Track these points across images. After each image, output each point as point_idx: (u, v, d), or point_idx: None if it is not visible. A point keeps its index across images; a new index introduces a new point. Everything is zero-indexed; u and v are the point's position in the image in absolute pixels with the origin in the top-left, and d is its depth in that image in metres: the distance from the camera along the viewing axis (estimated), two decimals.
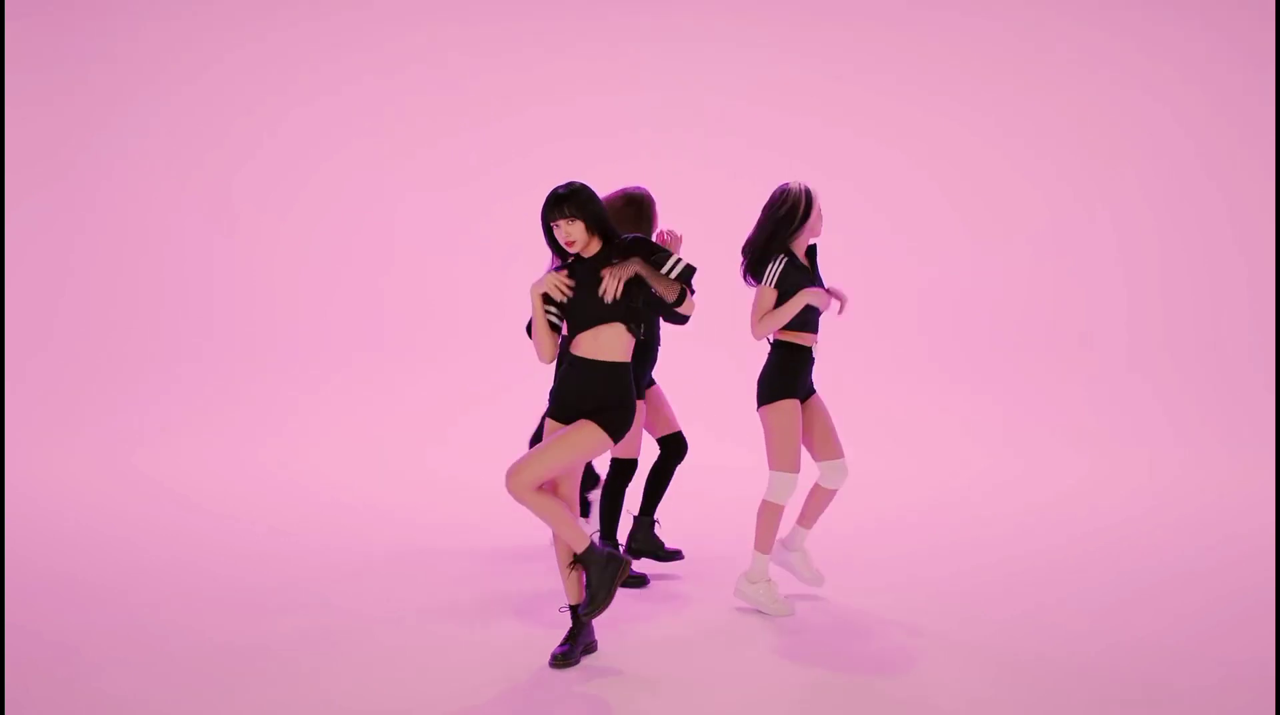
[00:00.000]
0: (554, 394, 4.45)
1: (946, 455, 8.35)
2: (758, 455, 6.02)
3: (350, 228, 9.11)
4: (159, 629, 4.77)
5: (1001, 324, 8.91)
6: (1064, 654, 4.53)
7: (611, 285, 4.32)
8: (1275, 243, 8.65)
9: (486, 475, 5.80)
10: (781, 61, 8.99)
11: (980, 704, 4.01)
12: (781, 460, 4.94)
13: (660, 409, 5.62)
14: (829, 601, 5.25)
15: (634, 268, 4.34)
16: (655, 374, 5.68)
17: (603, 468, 6.65)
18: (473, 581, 5.54)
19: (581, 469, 4.50)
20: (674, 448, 5.61)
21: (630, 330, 4.41)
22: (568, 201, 4.32)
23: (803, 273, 5.00)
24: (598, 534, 5.38)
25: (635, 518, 5.60)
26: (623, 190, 5.32)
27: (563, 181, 4.39)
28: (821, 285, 5.10)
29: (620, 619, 4.95)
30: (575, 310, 4.40)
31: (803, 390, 5.04)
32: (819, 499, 5.24)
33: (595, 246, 4.41)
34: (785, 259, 4.96)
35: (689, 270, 4.42)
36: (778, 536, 5.37)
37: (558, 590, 5.33)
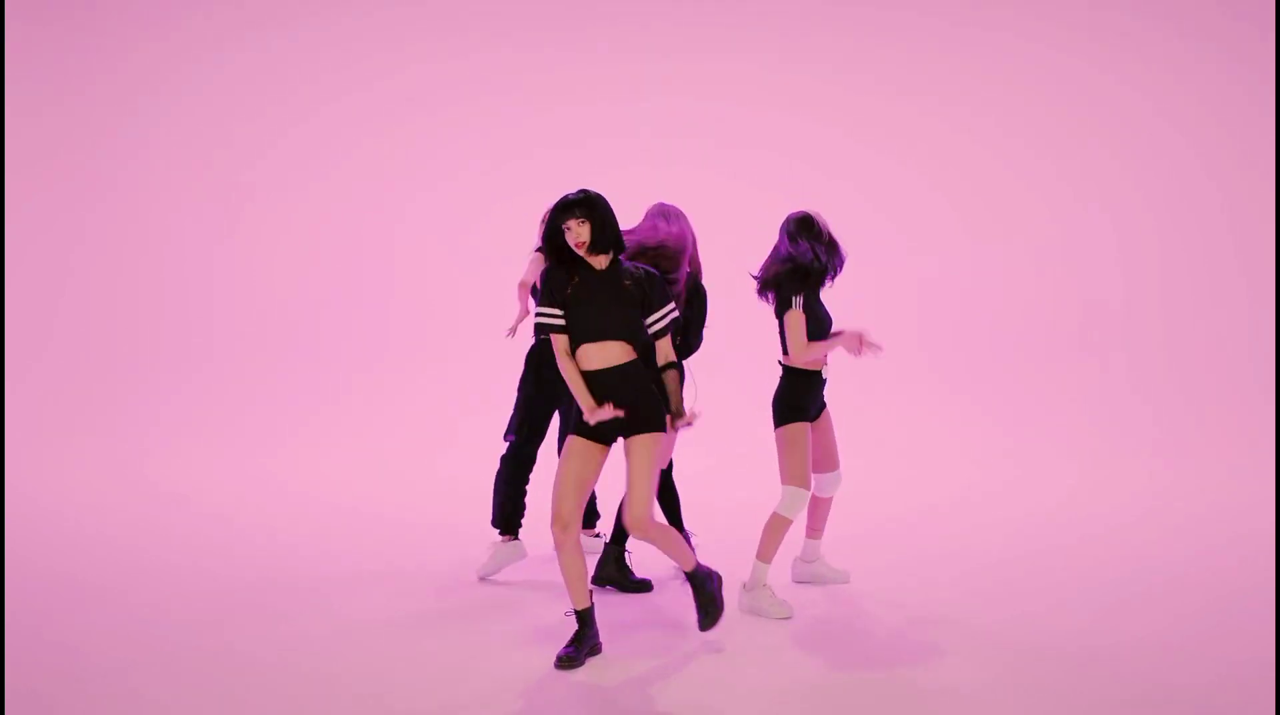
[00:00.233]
0: (578, 413, 4.52)
1: (947, 460, 8.30)
2: (757, 467, 6.01)
3: (355, 233, 9.11)
4: (162, 632, 4.78)
5: (999, 328, 8.88)
6: (1075, 650, 4.55)
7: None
8: (1275, 249, 8.61)
9: (492, 479, 5.79)
10: (781, 67, 8.97)
11: (991, 701, 4.03)
12: (794, 476, 5.10)
13: None
14: (831, 605, 5.26)
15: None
16: None
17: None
18: (477, 586, 5.55)
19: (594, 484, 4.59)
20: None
21: (636, 348, 4.50)
22: (580, 205, 4.41)
23: (815, 293, 5.18)
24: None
25: (605, 546, 5.60)
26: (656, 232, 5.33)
27: (572, 187, 4.52)
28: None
29: (623, 623, 4.96)
30: (583, 322, 4.45)
31: (814, 411, 5.22)
32: (819, 508, 5.51)
33: (604, 260, 4.49)
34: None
35: (675, 323, 4.61)
36: (796, 556, 5.65)
37: (561, 593, 5.30)
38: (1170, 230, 8.81)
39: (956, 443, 8.47)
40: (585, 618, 4.51)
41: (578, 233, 4.41)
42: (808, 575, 5.61)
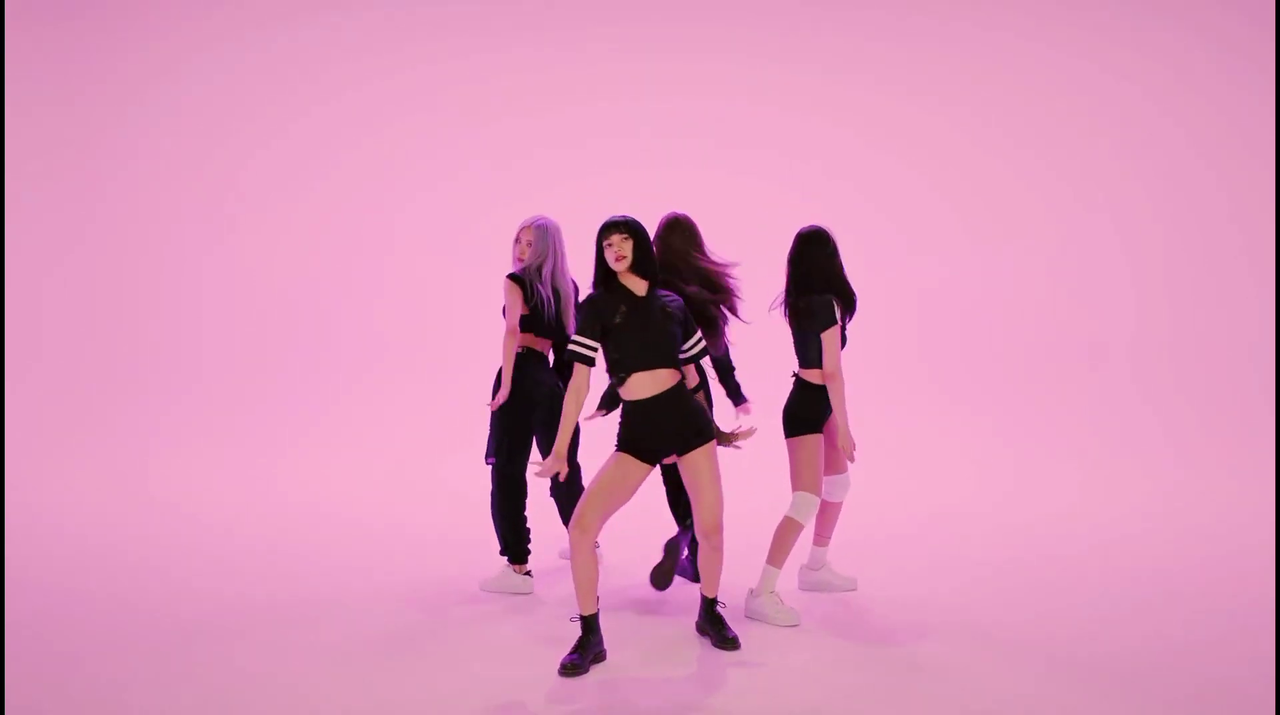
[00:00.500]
0: (633, 440, 4.54)
1: (950, 467, 8.23)
2: (764, 475, 6.04)
3: (354, 235, 9.02)
4: (161, 643, 4.74)
5: (1003, 333, 8.81)
6: (1085, 658, 4.54)
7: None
8: (1278, 255, 8.57)
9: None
10: (785, 68, 8.90)
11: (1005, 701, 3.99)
12: (806, 483, 5.15)
13: None
14: (838, 612, 5.24)
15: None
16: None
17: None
18: (480, 595, 5.52)
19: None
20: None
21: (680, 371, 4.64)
22: (626, 224, 4.54)
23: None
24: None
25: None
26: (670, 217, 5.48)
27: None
28: None
29: (628, 629, 4.93)
30: (636, 352, 4.52)
31: (824, 420, 5.26)
32: (828, 514, 5.52)
33: (643, 286, 4.58)
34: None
35: (703, 352, 4.79)
36: (803, 564, 5.65)
37: (565, 600, 5.33)
38: (1176, 235, 8.74)
39: (960, 450, 8.40)
40: (591, 624, 4.50)
41: (620, 248, 4.50)
42: (814, 583, 5.59)
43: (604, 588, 5.53)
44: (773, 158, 8.77)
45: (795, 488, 5.17)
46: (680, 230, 5.39)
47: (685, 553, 5.83)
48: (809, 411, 5.19)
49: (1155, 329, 8.73)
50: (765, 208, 8.20)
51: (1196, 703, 4.10)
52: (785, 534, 5.15)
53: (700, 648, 4.71)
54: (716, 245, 5.48)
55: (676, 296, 4.72)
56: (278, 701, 4.10)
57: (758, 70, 8.90)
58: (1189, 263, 8.74)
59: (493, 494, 5.56)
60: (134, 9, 8.99)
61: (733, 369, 5.57)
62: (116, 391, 8.83)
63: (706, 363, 5.47)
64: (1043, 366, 8.74)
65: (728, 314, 5.36)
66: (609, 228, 4.54)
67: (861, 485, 6.40)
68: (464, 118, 8.99)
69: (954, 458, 8.32)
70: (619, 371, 4.55)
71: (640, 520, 6.35)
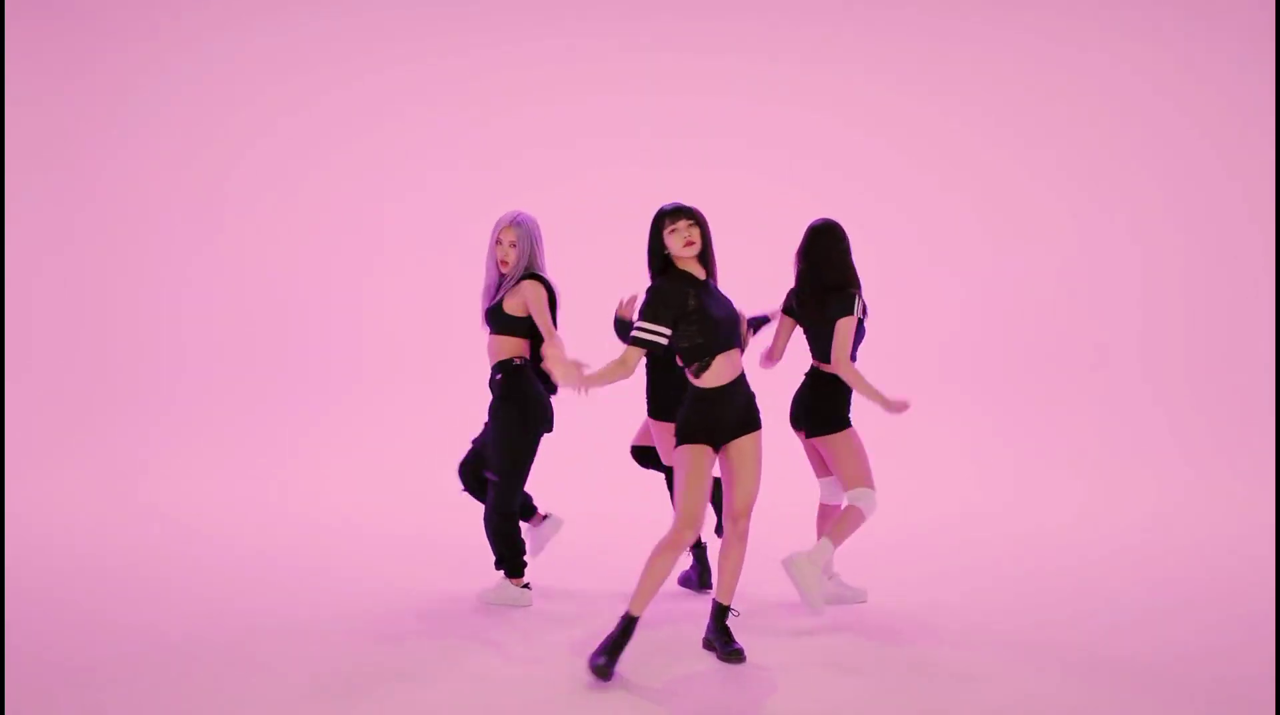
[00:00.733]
0: (705, 428, 4.50)
1: (957, 475, 8.16)
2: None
3: (350, 236, 8.90)
4: (157, 655, 4.67)
5: (1009, 339, 8.71)
6: (1099, 666, 4.49)
7: None
8: None
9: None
10: (798, 65, 8.79)
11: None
12: (858, 478, 5.18)
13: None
14: (846, 620, 5.16)
15: None
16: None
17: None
18: (479, 606, 5.43)
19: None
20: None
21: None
22: (693, 211, 4.56)
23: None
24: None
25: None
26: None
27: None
28: None
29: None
30: (717, 335, 4.50)
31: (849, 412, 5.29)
32: (828, 517, 5.45)
33: (701, 273, 4.59)
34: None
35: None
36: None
37: (573, 605, 5.31)
38: (1193, 238, 8.60)
39: (968, 454, 8.32)
40: (631, 628, 4.44)
41: (688, 234, 4.50)
42: (830, 597, 5.42)
43: (602, 595, 5.46)
44: (773, 156, 8.65)
45: (851, 485, 5.15)
46: None
47: (691, 561, 5.78)
48: (836, 407, 5.18)
49: (1167, 333, 8.61)
50: (767, 207, 8.10)
51: (1209, 708, 4.07)
52: (850, 520, 5.11)
53: (705, 660, 4.61)
54: (719, 244, 5.37)
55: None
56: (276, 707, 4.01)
57: (760, 67, 8.79)
58: (1204, 266, 8.60)
59: (490, 510, 5.39)
60: (119, 6, 8.84)
61: None
62: (105, 395, 8.69)
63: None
64: (1053, 370, 8.63)
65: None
66: (677, 213, 4.52)
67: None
68: (460, 115, 8.87)
69: (961, 463, 8.23)
70: (702, 356, 4.49)
71: (641, 527, 6.25)
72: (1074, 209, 8.71)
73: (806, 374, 5.34)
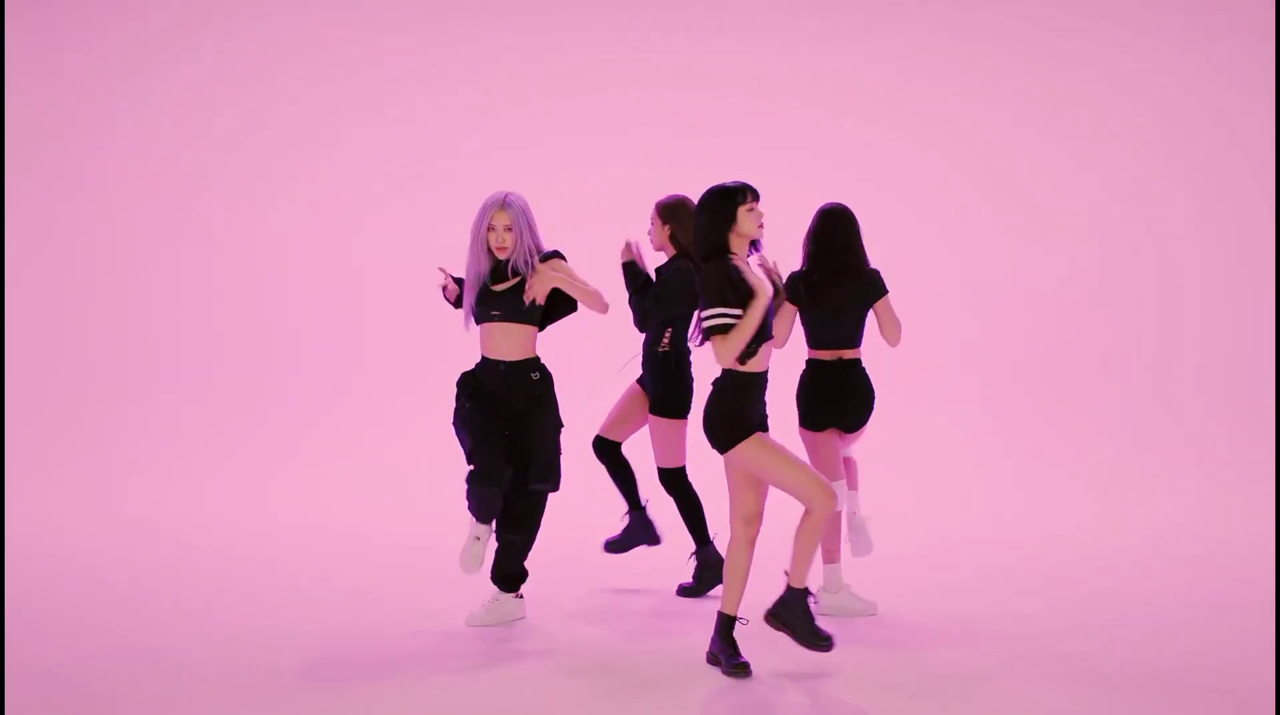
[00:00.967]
0: (758, 416, 4.43)
1: (964, 484, 7.95)
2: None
3: (347, 236, 8.70)
4: (148, 658, 4.58)
5: (1024, 342, 8.49)
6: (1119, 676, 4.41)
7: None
8: None
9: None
10: (812, 61, 8.60)
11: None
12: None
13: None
14: (856, 631, 5.00)
15: None
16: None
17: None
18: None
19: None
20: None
21: None
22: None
23: None
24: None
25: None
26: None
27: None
28: None
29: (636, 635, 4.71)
30: (768, 321, 4.41)
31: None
32: (830, 527, 5.23)
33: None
34: None
35: None
36: (820, 586, 5.30)
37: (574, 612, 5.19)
38: (1213, 243, 8.36)
39: (976, 462, 8.11)
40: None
41: (760, 215, 4.40)
42: (834, 607, 5.23)
43: (598, 603, 5.35)
44: (777, 153, 8.41)
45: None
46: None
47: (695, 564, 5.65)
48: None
49: (1182, 338, 8.38)
50: (774, 207, 7.90)
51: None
52: (825, 532, 4.95)
53: (709, 674, 4.45)
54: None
55: None
56: None
57: (764, 62, 8.60)
58: (1222, 269, 8.37)
59: (530, 526, 5.16)
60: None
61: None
62: (89, 400, 8.45)
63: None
64: (1065, 375, 8.43)
65: None
66: (756, 193, 4.39)
67: (874, 500, 6.12)
68: (459, 111, 8.67)
69: (970, 471, 8.05)
70: (758, 342, 4.32)
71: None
72: (1089, 211, 8.52)
73: (810, 362, 5.20)
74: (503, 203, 4.97)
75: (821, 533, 4.36)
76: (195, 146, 8.66)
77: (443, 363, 7.77)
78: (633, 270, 5.44)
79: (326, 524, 7.24)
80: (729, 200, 4.36)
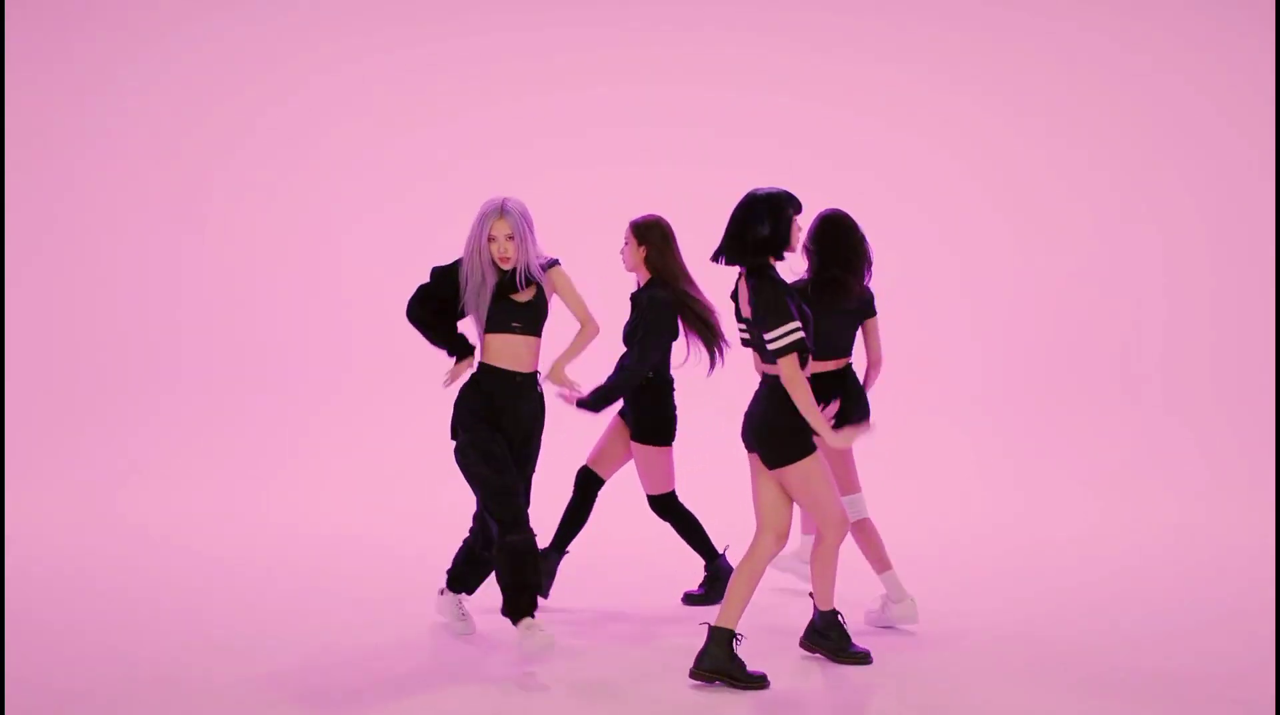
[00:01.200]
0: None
1: (969, 488, 7.91)
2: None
3: (342, 236, 8.65)
4: (142, 664, 4.58)
5: (1027, 344, 8.45)
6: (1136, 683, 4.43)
7: None
8: None
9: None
10: (813, 57, 8.54)
11: None
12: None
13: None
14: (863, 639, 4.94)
15: None
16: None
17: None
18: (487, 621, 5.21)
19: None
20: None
21: None
22: None
23: None
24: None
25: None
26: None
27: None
28: None
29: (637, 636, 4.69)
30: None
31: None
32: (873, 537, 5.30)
33: None
34: None
35: None
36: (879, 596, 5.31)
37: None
38: (1222, 244, 8.31)
39: (980, 465, 8.08)
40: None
41: (800, 229, 4.43)
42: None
43: (597, 614, 5.33)
44: (777, 151, 8.35)
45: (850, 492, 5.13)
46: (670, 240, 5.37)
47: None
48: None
49: (1190, 341, 8.33)
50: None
51: None
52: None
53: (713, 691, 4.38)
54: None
55: None
56: None
57: (765, 57, 8.53)
58: (1231, 272, 8.31)
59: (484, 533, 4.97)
60: None
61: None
62: (80, 402, 8.40)
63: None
64: (1068, 376, 8.39)
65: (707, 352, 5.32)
66: (799, 205, 4.37)
67: (874, 502, 6.06)
68: (457, 107, 8.62)
69: (971, 473, 8.02)
70: (806, 353, 4.33)
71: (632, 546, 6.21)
72: (1095, 210, 8.47)
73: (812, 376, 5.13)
74: (501, 210, 4.68)
75: (837, 555, 4.48)
76: (185, 145, 8.61)
77: (441, 365, 7.74)
78: (600, 400, 5.16)
79: (323, 527, 7.20)
80: (791, 208, 4.35)
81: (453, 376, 4.89)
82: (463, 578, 5.05)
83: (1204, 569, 6.34)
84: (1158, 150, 8.38)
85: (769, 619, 5.15)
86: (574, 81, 8.56)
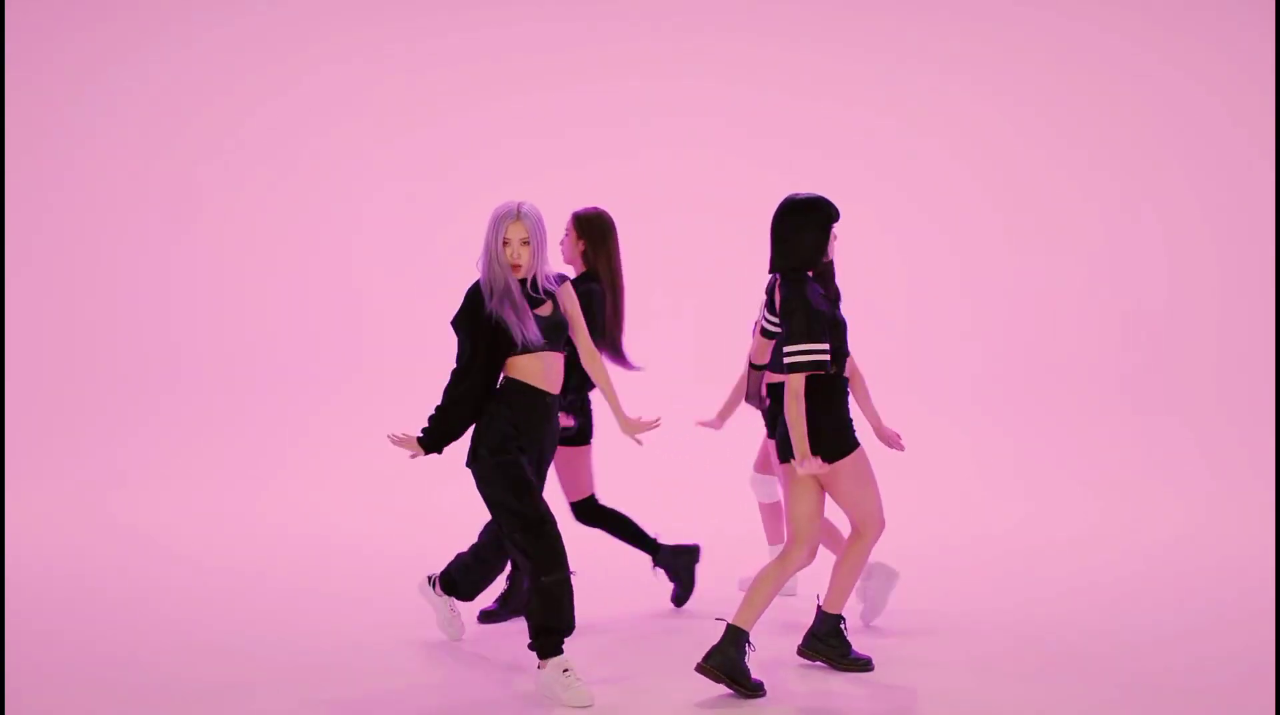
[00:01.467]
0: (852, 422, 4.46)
1: (965, 488, 7.94)
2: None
3: (341, 234, 8.65)
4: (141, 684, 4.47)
5: (1028, 345, 8.46)
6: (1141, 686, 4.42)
7: None
8: None
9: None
10: (813, 54, 8.55)
11: None
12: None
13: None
14: (865, 643, 4.92)
15: None
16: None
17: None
18: (484, 628, 5.24)
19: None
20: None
21: None
22: None
23: None
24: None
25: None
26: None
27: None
28: None
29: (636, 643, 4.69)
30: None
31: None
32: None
33: None
34: None
35: None
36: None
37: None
38: (1224, 249, 8.32)
39: (975, 468, 8.08)
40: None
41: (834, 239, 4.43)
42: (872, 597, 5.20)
43: (595, 616, 5.24)
44: (778, 149, 8.39)
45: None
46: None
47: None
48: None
49: (1194, 342, 8.33)
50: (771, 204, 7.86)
51: None
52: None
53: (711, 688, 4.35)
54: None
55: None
56: None
57: (765, 54, 8.54)
58: (1235, 274, 8.32)
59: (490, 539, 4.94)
60: None
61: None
62: (73, 404, 8.39)
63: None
64: (1070, 376, 8.39)
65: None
66: (837, 212, 4.33)
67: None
68: (456, 104, 8.63)
69: (971, 474, 8.02)
70: (839, 360, 4.34)
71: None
72: (1098, 210, 8.47)
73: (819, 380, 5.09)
74: (518, 213, 4.39)
75: (867, 559, 4.49)
76: (179, 143, 8.60)
77: (440, 366, 7.70)
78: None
79: (319, 530, 7.21)
80: (832, 218, 4.31)
81: (402, 442, 4.55)
82: (455, 585, 4.98)
83: (1205, 570, 6.34)
84: (1159, 148, 8.39)
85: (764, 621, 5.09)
86: (575, 82, 8.57)
